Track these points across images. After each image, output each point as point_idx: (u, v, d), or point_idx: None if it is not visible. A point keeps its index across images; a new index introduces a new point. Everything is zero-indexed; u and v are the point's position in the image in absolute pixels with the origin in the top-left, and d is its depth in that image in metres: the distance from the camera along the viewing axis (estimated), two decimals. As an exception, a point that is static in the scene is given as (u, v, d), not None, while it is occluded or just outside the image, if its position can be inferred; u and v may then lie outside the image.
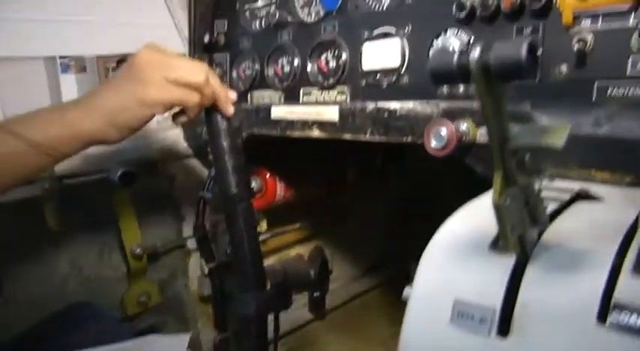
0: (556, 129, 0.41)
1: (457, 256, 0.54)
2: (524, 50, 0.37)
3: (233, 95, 0.94)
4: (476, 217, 0.58)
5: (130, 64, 0.83)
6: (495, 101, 0.42)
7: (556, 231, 0.51)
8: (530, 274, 0.47)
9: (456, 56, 0.41)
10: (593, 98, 0.71)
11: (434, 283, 0.54)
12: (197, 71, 0.85)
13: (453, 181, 1.84)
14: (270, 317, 1.15)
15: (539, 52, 0.77)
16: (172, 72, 0.83)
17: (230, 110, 0.93)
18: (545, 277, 0.46)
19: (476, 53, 0.40)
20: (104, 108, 0.82)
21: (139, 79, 0.82)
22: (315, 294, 1.73)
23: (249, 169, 1.32)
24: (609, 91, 0.70)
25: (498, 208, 0.44)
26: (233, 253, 1.02)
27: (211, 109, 0.92)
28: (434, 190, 1.95)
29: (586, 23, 0.72)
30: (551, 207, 0.56)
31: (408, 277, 1.83)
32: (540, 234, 0.50)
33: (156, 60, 0.83)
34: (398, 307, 1.81)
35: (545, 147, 0.40)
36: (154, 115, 0.86)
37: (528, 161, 0.45)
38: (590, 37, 0.71)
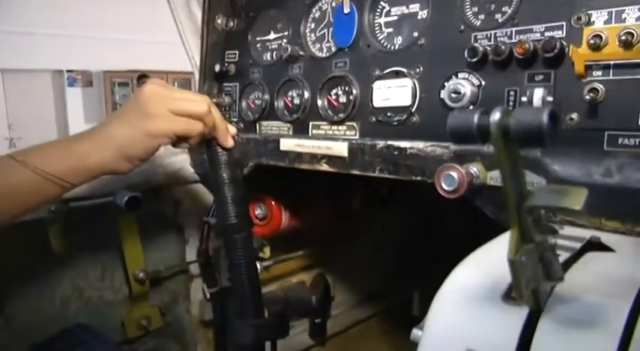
0: (573, 191, 0.42)
1: (469, 304, 0.54)
2: (545, 118, 0.38)
3: (233, 130, 1.00)
4: (488, 264, 0.59)
5: (137, 99, 0.88)
6: (513, 163, 0.43)
7: (569, 283, 0.51)
8: (543, 327, 0.48)
9: (476, 117, 0.42)
10: (604, 147, 0.73)
11: (445, 330, 0.54)
12: (199, 102, 0.92)
13: (458, 213, 1.85)
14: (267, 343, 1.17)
15: (551, 99, 0.78)
16: (176, 104, 0.89)
17: (230, 142, 0.98)
18: (558, 331, 0.47)
19: (496, 116, 0.41)
20: (113, 140, 0.87)
21: (145, 112, 0.87)
22: (317, 320, 1.73)
23: (248, 200, 1.35)
24: (620, 141, 0.71)
25: (514, 264, 0.44)
26: (232, 282, 1.04)
27: (212, 141, 0.97)
28: (438, 221, 1.96)
29: (598, 73, 0.73)
30: (562, 256, 0.56)
31: (410, 305, 1.84)
32: (553, 287, 0.51)
33: (160, 94, 0.88)
34: (397, 335, 1.82)
35: (562, 209, 0.40)
36: (160, 146, 0.90)
37: (544, 218, 0.46)
38: (601, 88, 0.72)
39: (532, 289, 0.47)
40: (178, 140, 0.93)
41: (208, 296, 1.46)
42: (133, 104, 0.89)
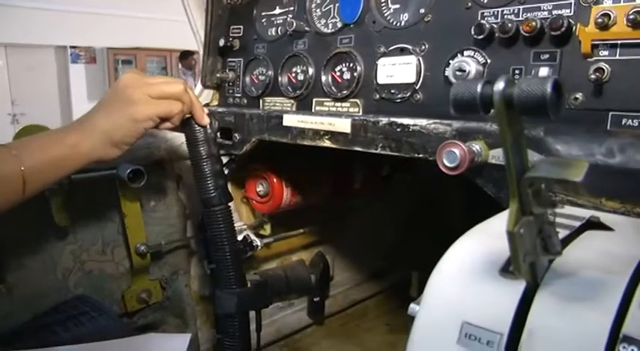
0: (574, 163, 0.42)
1: (467, 277, 0.54)
2: (550, 87, 0.37)
3: (205, 109, 1.07)
4: (487, 239, 0.59)
5: (116, 89, 0.95)
6: (515, 134, 0.43)
7: (567, 260, 0.52)
8: (540, 301, 0.48)
9: (479, 87, 0.42)
10: (607, 128, 0.72)
11: (442, 304, 0.55)
12: (175, 83, 0.99)
13: (459, 193, 1.85)
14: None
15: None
16: (154, 88, 0.96)
17: (205, 120, 1.05)
18: (554, 305, 0.47)
19: (500, 85, 0.40)
20: (100, 129, 0.92)
21: (127, 99, 0.93)
22: (315, 299, 1.75)
23: (250, 176, 1.36)
24: (624, 122, 0.71)
25: (512, 237, 0.44)
26: (215, 253, 1.08)
27: (189, 120, 1.04)
28: (439, 202, 1.96)
29: (604, 53, 0.73)
30: (561, 234, 0.56)
31: (408, 286, 1.85)
32: (551, 261, 0.51)
33: (138, 81, 0.95)
34: (396, 315, 1.83)
35: (563, 181, 0.40)
36: (145, 130, 0.96)
37: (544, 192, 0.46)
38: (607, 68, 0.72)
39: (530, 262, 0.47)
40: (161, 121, 0.98)
41: (208, 271, 1.47)
42: (113, 94, 0.95)
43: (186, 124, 1.04)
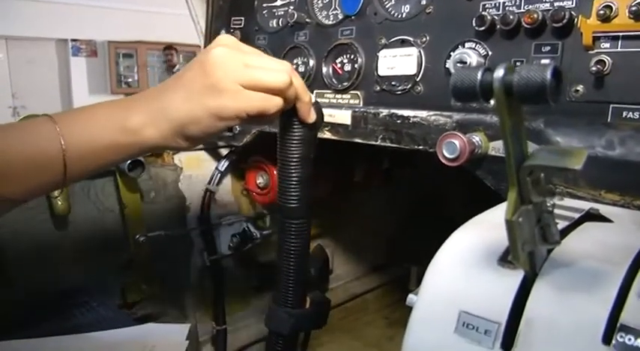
0: (574, 152, 0.42)
1: (465, 267, 0.54)
2: (549, 74, 0.37)
3: (312, 98, 0.81)
4: (486, 229, 0.59)
5: (202, 65, 0.71)
6: (515, 121, 0.42)
7: (565, 249, 0.52)
8: (538, 290, 0.48)
9: (479, 74, 0.42)
10: (608, 120, 0.72)
11: (440, 293, 0.55)
12: (279, 72, 0.73)
13: (459, 188, 1.85)
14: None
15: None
16: (251, 75, 0.71)
17: (312, 116, 0.80)
18: (552, 294, 0.47)
19: (500, 72, 0.40)
20: (172, 115, 0.71)
21: (212, 85, 0.70)
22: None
23: (250, 169, 1.32)
24: (624, 114, 0.71)
25: (511, 225, 0.44)
26: (278, 266, 0.94)
27: (289, 112, 0.79)
28: (440, 196, 1.96)
29: (605, 45, 0.72)
30: (561, 225, 0.56)
31: (408, 281, 1.84)
32: (550, 251, 0.51)
33: (231, 61, 0.70)
34: (396, 309, 1.83)
35: (562, 169, 0.40)
36: (227, 127, 0.75)
37: (543, 181, 0.46)
38: (608, 60, 0.72)
39: (528, 252, 0.47)
40: (250, 119, 0.74)
41: (208, 263, 1.48)
42: (196, 71, 0.71)
43: (283, 116, 0.81)
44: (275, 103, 0.73)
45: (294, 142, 0.82)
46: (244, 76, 0.70)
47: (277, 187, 0.88)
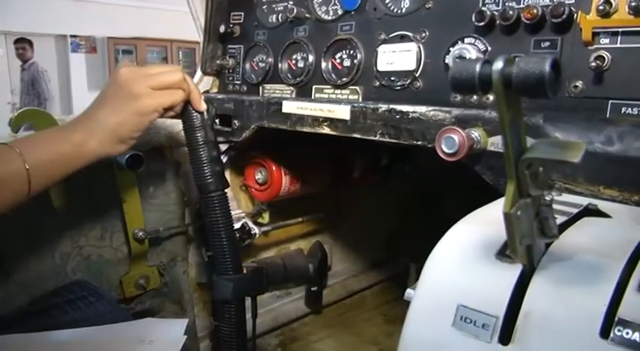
0: (572, 145, 0.42)
1: (463, 261, 0.54)
2: (548, 66, 0.37)
3: (202, 95, 1.06)
4: (484, 224, 0.59)
5: (117, 83, 0.93)
6: (513, 113, 0.42)
7: (564, 244, 0.52)
8: (536, 284, 0.48)
9: (478, 66, 0.42)
10: (607, 116, 0.72)
11: (438, 286, 0.55)
12: (174, 71, 0.97)
13: (458, 184, 1.85)
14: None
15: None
16: (154, 79, 0.94)
17: (203, 105, 1.04)
18: (550, 288, 0.47)
19: (499, 65, 0.40)
20: (106, 125, 0.91)
21: (129, 93, 0.92)
22: (313, 288, 1.75)
23: (249, 164, 1.36)
24: (623, 110, 0.71)
25: (509, 218, 0.44)
26: (210, 241, 1.09)
27: (186, 105, 1.02)
28: (439, 193, 1.96)
29: (605, 41, 0.73)
30: (559, 220, 0.56)
31: (406, 277, 1.84)
32: (548, 246, 0.51)
33: (137, 74, 0.93)
34: (394, 305, 1.83)
35: (561, 161, 0.40)
36: (150, 122, 0.96)
37: (542, 174, 0.46)
38: (608, 55, 0.71)
39: (526, 245, 0.48)
40: (164, 111, 0.98)
41: (206, 259, 1.47)
42: (115, 88, 0.93)
43: (183, 110, 1.03)
44: (179, 94, 0.98)
45: (196, 128, 1.04)
46: (151, 81, 0.94)
47: (191, 169, 1.07)
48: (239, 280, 1.09)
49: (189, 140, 1.05)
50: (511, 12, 0.80)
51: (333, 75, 1.09)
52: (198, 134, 1.04)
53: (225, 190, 1.09)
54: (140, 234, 1.29)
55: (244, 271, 1.13)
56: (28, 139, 0.91)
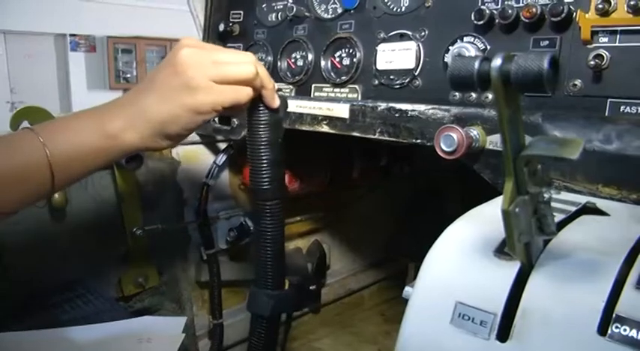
0: (570, 142, 0.42)
1: (461, 258, 0.54)
2: (546, 63, 0.37)
3: (276, 86, 0.89)
4: (482, 221, 0.59)
5: (173, 66, 0.76)
6: (512, 110, 0.43)
7: (562, 241, 0.52)
8: (534, 281, 0.48)
9: (477, 63, 0.42)
10: (605, 114, 0.72)
11: (436, 284, 0.55)
12: (245, 64, 0.79)
13: (457, 184, 1.85)
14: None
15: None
16: (220, 70, 0.77)
17: (277, 102, 0.87)
18: (548, 285, 0.47)
19: (497, 62, 0.40)
20: (151, 116, 0.76)
21: (186, 84, 0.75)
22: (311, 287, 1.75)
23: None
24: (622, 109, 0.71)
25: (507, 215, 0.44)
26: (256, 249, 0.99)
27: (255, 100, 0.86)
28: (437, 193, 1.96)
29: (604, 40, 0.73)
30: (557, 218, 0.56)
31: (404, 277, 1.84)
32: (546, 243, 0.51)
33: (200, 60, 0.76)
34: (392, 305, 1.83)
35: (559, 158, 0.40)
36: (205, 121, 0.80)
37: (540, 171, 0.46)
38: (606, 54, 0.72)
39: (525, 242, 0.48)
40: (225, 111, 0.80)
41: (205, 257, 1.47)
42: (169, 73, 0.76)
43: (251, 104, 0.88)
44: (246, 93, 0.80)
45: (262, 126, 0.89)
46: (215, 73, 0.76)
47: (250, 170, 0.93)
48: (279, 298, 0.99)
49: (252, 138, 0.91)
50: (510, 11, 0.80)
51: (332, 73, 1.09)
52: (263, 133, 0.89)
53: (282, 199, 0.98)
54: (139, 232, 1.30)
55: (286, 287, 1.04)
56: (54, 126, 0.76)
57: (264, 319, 0.99)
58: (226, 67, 0.77)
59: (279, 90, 0.87)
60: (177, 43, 0.78)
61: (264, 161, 0.91)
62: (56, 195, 1.14)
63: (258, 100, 0.86)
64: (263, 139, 0.90)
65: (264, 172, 0.91)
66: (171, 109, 0.75)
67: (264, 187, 0.92)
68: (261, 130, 0.89)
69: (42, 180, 0.71)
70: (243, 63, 0.79)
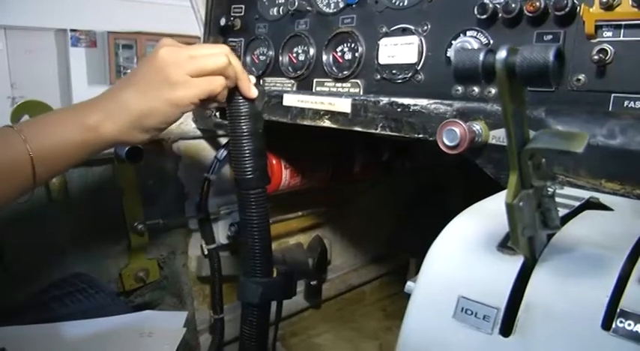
0: (575, 136, 0.42)
1: (464, 252, 0.54)
2: (552, 55, 0.37)
3: (252, 79, 0.93)
4: (485, 216, 0.59)
5: (152, 63, 0.81)
6: (517, 103, 0.42)
7: (565, 236, 0.51)
8: (538, 276, 0.48)
9: (482, 55, 0.42)
10: (609, 109, 0.72)
11: (439, 278, 0.55)
12: (217, 55, 0.84)
13: (459, 180, 1.85)
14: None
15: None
16: (195, 64, 0.82)
17: (253, 92, 0.92)
18: (552, 280, 0.47)
19: (503, 54, 0.40)
20: (129, 110, 0.80)
21: (164, 79, 0.80)
22: (312, 282, 1.75)
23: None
24: (626, 104, 0.71)
25: (511, 209, 0.44)
26: (242, 239, 1.01)
27: (233, 90, 0.90)
28: (439, 188, 1.96)
29: (608, 34, 0.72)
30: (561, 213, 0.56)
31: (406, 272, 1.84)
32: (550, 237, 0.51)
33: (178, 57, 0.81)
34: (393, 301, 1.84)
35: (564, 151, 0.40)
36: (182, 114, 0.84)
37: (544, 165, 0.46)
38: (610, 49, 0.71)
39: (528, 237, 0.47)
40: (203, 102, 0.85)
41: (206, 252, 1.47)
42: (149, 70, 0.81)
43: (229, 95, 0.91)
44: (219, 82, 0.84)
45: (242, 117, 0.93)
46: (191, 67, 0.81)
47: (231, 161, 0.97)
48: (268, 285, 1.01)
49: (233, 129, 0.94)
50: (513, 4, 0.79)
51: (334, 68, 1.09)
52: (244, 123, 0.93)
53: (266, 188, 1.01)
54: (140, 227, 1.30)
55: (274, 275, 1.06)
56: (34, 122, 0.79)
57: (255, 307, 1.02)
58: (200, 60, 0.83)
59: (257, 84, 0.93)
60: (157, 43, 0.84)
61: (247, 151, 0.94)
62: (57, 190, 1.14)
63: (235, 91, 0.91)
64: (244, 130, 0.93)
65: (247, 162, 0.94)
66: (151, 103, 0.80)
67: (248, 176, 0.95)
68: (242, 121, 0.93)
69: (24, 176, 0.74)
70: (215, 54, 0.84)
